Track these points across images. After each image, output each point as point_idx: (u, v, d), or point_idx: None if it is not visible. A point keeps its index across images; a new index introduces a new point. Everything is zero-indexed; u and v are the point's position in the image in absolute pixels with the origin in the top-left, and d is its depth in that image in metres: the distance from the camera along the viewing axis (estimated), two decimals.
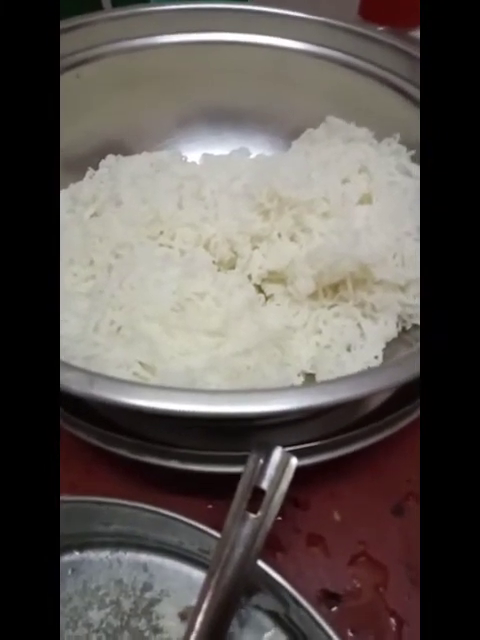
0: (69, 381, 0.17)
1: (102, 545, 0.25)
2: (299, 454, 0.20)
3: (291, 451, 0.20)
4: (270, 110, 0.39)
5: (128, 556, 0.25)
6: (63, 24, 0.35)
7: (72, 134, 0.36)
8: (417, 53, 0.35)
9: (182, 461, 0.23)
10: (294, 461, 0.19)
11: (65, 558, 0.25)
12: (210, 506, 0.27)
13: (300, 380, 0.28)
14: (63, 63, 0.35)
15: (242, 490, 0.19)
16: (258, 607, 0.22)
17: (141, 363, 0.23)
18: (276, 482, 0.19)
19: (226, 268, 0.30)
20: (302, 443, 0.23)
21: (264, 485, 0.19)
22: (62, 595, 0.24)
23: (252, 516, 0.19)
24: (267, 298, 0.30)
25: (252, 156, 0.38)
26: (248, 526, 0.19)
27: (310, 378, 0.28)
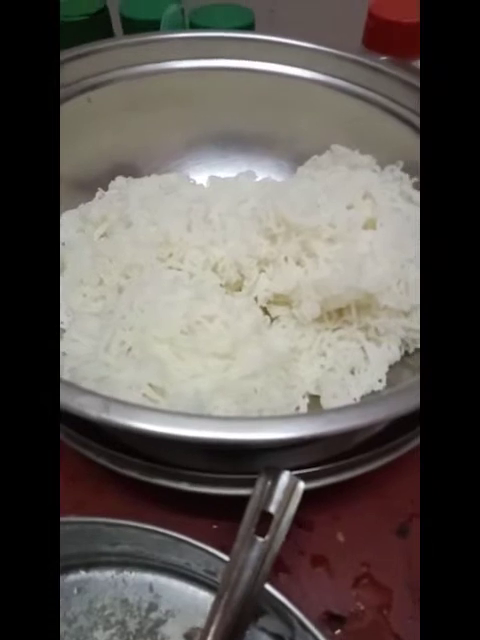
0: (84, 406, 0.17)
1: (107, 564, 0.25)
2: (304, 478, 0.20)
3: (297, 475, 0.20)
4: (276, 135, 0.40)
5: (133, 576, 0.25)
6: (76, 51, 0.36)
7: (83, 155, 0.37)
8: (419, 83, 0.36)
9: (192, 483, 0.23)
10: (301, 485, 0.20)
11: (71, 577, 0.25)
12: (215, 526, 0.27)
13: (305, 402, 0.28)
14: (75, 88, 0.36)
15: (250, 514, 0.20)
16: (264, 630, 0.22)
17: (151, 385, 0.24)
18: (284, 506, 0.19)
19: (232, 290, 0.31)
20: (307, 467, 0.23)
21: (272, 509, 0.19)
22: (68, 614, 0.24)
23: (260, 540, 0.19)
24: (272, 320, 0.31)
25: (258, 179, 0.38)
26: (256, 549, 0.19)
27: (314, 399, 0.29)
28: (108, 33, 0.45)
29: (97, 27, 0.43)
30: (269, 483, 0.20)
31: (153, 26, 0.41)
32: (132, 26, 0.43)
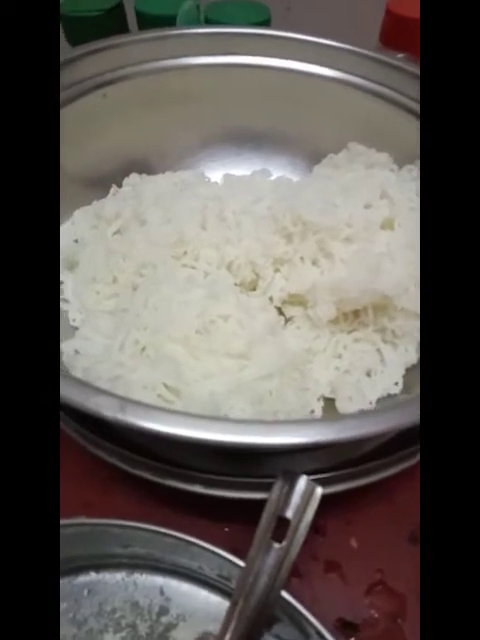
0: (100, 406, 0.17)
1: (118, 566, 0.25)
2: (319, 483, 0.20)
3: (312, 480, 0.20)
4: (291, 132, 0.40)
5: (144, 578, 0.25)
6: (91, 46, 0.35)
7: (97, 152, 0.37)
8: None
9: (205, 486, 0.23)
10: (319, 490, 0.19)
11: (81, 578, 0.25)
12: (227, 529, 0.27)
13: (320, 405, 0.28)
14: (90, 83, 0.36)
15: (266, 519, 0.19)
16: (278, 637, 0.21)
17: (165, 385, 0.23)
18: (301, 511, 0.19)
19: (247, 289, 0.31)
20: (322, 472, 0.23)
21: (289, 514, 0.19)
22: (78, 616, 0.24)
23: (276, 545, 0.19)
24: (287, 320, 0.31)
25: (273, 177, 0.38)
26: (272, 556, 0.19)
27: (329, 402, 0.28)
28: (123, 28, 0.45)
29: (112, 22, 0.43)
30: (286, 488, 0.19)
31: (169, 21, 0.41)
32: (147, 21, 0.43)
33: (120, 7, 0.44)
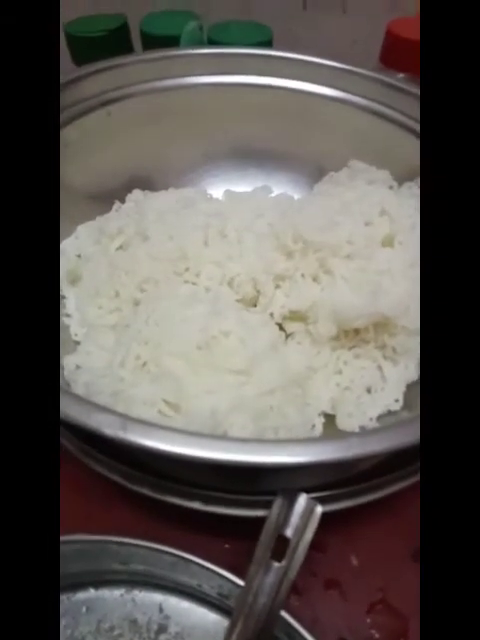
0: (101, 424, 0.17)
1: (117, 583, 0.25)
2: (320, 500, 0.20)
3: (313, 498, 0.20)
4: (292, 150, 0.40)
5: (142, 595, 0.25)
6: (97, 66, 0.36)
7: (100, 168, 0.37)
8: None
9: (205, 503, 0.23)
10: (319, 509, 0.19)
11: (80, 595, 0.25)
12: (227, 546, 0.27)
13: (321, 421, 0.28)
14: (94, 102, 0.37)
15: (266, 537, 0.19)
16: None
17: (166, 401, 0.23)
18: (300, 530, 0.19)
19: (248, 305, 0.31)
20: (323, 489, 0.23)
21: (288, 533, 0.19)
22: (76, 634, 0.24)
23: (276, 565, 0.19)
24: (287, 336, 0.31)
25: (274, 194, 0.39)
26: (272, 575, 0.19)
27: (330, 418, 0.28)
28: (128, 49, 0.46)
29: (117, 43, 0.44)
30: (286, 506, 0.19)
31: (173, 42, 0.41)
32: (152, 42, 0.43)
33: (125, 28, 0.45)
